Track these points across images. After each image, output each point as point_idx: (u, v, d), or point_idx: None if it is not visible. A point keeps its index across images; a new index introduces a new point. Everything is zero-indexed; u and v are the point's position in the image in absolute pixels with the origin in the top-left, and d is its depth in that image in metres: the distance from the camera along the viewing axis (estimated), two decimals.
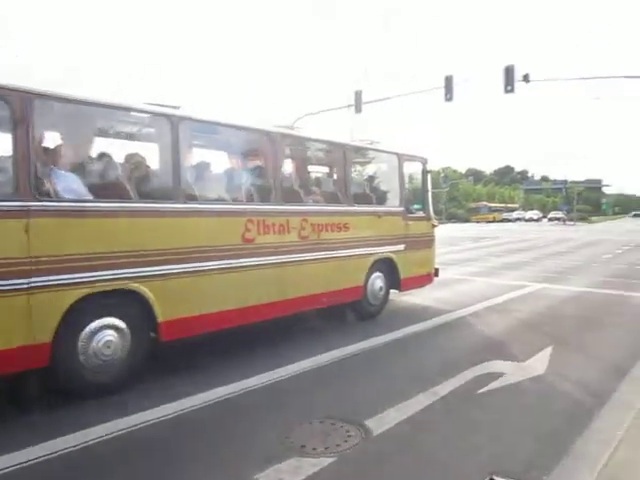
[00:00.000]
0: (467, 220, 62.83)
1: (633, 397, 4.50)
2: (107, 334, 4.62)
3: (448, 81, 19.73)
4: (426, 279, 9.15)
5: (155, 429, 3.98)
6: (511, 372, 5.29)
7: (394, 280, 8.33)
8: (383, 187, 8.67)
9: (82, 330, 4.47)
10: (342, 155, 7.69)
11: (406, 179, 8.94)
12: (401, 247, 8.34)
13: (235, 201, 6.13)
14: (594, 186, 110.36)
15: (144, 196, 5.10)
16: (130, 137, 6.21)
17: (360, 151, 8.37)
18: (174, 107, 5.35)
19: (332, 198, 7.53)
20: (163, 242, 5.04)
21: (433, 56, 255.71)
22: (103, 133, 5.90)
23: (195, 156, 6.35)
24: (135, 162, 5.43)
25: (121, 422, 4.01)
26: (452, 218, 61.64)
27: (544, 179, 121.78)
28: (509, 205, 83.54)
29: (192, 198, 5.43)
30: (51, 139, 4.87)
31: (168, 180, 5.26)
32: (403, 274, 8.38)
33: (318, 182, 8.00)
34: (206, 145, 7.10)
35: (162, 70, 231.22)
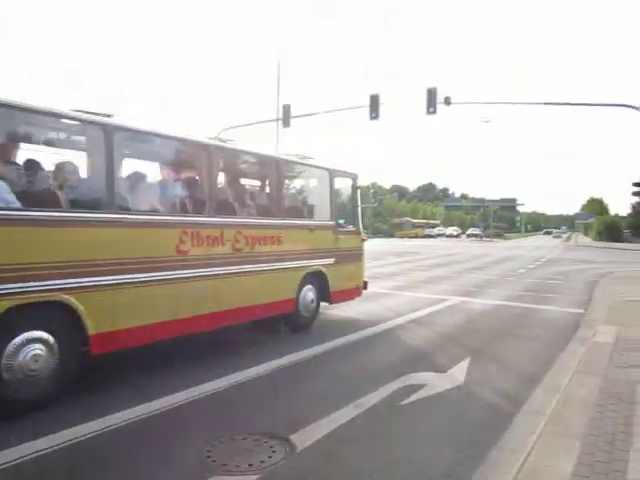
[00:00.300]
0: (391, 235, 64.46)
1: (544, 405, 4.73)
2: (34, 348, 4.38)
3: (373, 100, 20.18)
4: (355, 292, 9.28)
5: (61, 455, 3.72)
6: (433, 383, 5.43)
7: (325, 293, 8.43)
8: (315, 201, 8.80)
9: (7, 344, 4.22)
10: (276, 169, 7.76)
11: (337, 194, 9.06)
12: (331, 260, 8.46)
13: (169, 212, 6.07)
14: (509, 205, 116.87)
15: (75, 205, 4.93)
16: (62, 145, 5.92)
17: (293, 165, 8.41)
18: (107, 115, 5.24)
19: (266, 211, 7.60)
20: (95, 253, 4.89)
21: (433, 56, 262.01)
22: (34, 140, 5.57)
23: (129, 166, 6.21)
24: (66, 170, 5.21)
25: (15, 451, 3.67)
26: (377, 233, 63.01)
27: (464, 197, 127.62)
28: (431, 221, 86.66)
29: (125, 208, 5.33)
30: None
31: (101, 189, 5.11)
32: (333, 287, 8.49)
33: (252, 195, 8.00)
34: (140, 155, 6.90)
35: (162, 70, 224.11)
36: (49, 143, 5.78)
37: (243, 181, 8.68)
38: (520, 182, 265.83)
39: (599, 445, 3.72)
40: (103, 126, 5.12)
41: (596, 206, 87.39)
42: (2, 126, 4.91)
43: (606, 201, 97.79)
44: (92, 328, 4.80)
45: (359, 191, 9.65)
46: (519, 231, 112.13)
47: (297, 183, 8.97)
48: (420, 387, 5.28)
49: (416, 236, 66.01)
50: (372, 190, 11.79)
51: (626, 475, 3.29)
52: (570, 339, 7.75)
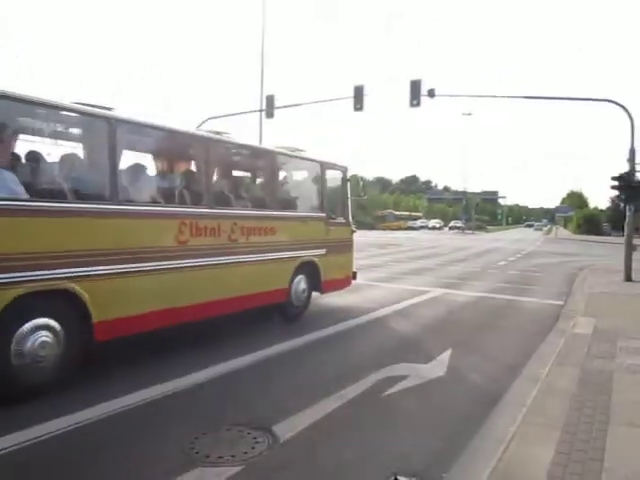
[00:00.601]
0: (373, 227, 64.68)
1: (525, 395, 4.79)
2: (42, 335, 4.51)
3: (358, 91, 20.13)
4: (345, 282, 9.49)
5: (45, 446, 3.67)
6: (415, 374, 5.47)
7: (316, 283, 8.61)
8: (307, 193, 8.93)
9: (16, 331, 4.34)
10: (271, 161, 7.99)
11: (328, 186, 9.22)
12: (323, 251, 8.65)
13: (169, 204, 6.17)
14: (491, 197, 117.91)
15: (80, 197, 5.03)
16: (66, 137, 5.97)
17: (287, 158, 8.50)
18: (108, 108, 5.35)
19: (261, 203, 7.79)
20: (99, 243, 5.03)
21: (435, 59, 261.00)
22: (40, 132, 5.63)
23: (131, 158, 6.28)
24: (71, 162, 5.35)
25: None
26: (359, 225, 62.91)
27: (446, 189, 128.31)
28: (413, 214, 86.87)
29: (128, 200, 5.49)
30: None
31: (104, 181, 5.25)
32: (324, 277, 8.69)
33: (248, 187, 8.27)
34: (142, 148, 6.90)
35: (162, 70, 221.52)
36: (54, 135, 5.84)
37: (239, 173, 8.85)
38: (502, 175, 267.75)
39: (578, 434, 3.78)
40: (106, 119, 5.22)
41: (576, 199, 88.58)
42: (10, 119, 4.99)
43: (586, 194, 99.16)
44: (96, 315, 4.92)
45: (349, 183, 9.79)
46: (501, 224, 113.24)
47: (290, 175, 9.06)
48: (402, 378, 5.31)
49: (399, 228, 66.29)
50: (362, 183, 11.80)
51: (603, 463, 3.35)
52: (550, 330, 7.88)
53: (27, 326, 4.41)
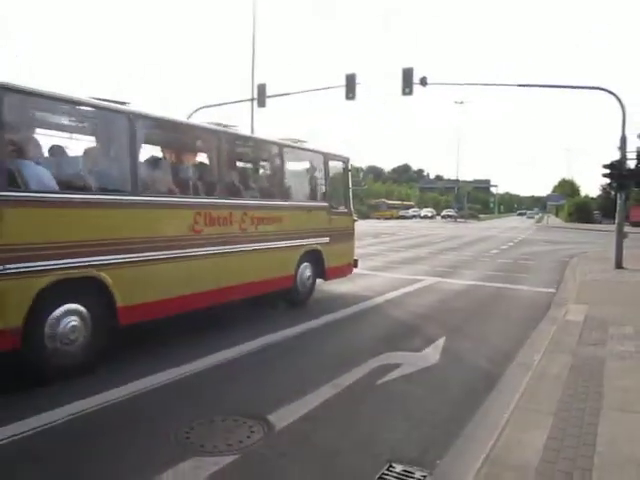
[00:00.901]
0: (367, 217, 64.67)
1: (518, 381, 4.84)
2: (72, 319, 4.82)
3: (350, 80, 19.98)
4: (347, 269, 9.82)
5: (40, 438, 3.68)
6: (409, 362, 5.50)
7: (320, 270, 8.95)
8: (311, 184, 9.21)
9: (49, 315, 4.64)
10: (278, 153, 8.27)
11: (330, 177, 9.53)
12: (327, 239, 9.00)
13: (185, 195, 6.48)
14: (483, 186, 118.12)
15: (104, 189, 5.34)
16: (90, 132, 6.17)
17: (293, 150, 8.74)
18: (124, 103, 5.65)
19: (268, 193, 8.19)
20: (122, 232, 5.33)
21: (432, 54, 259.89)
22: (65, 128, 6.03)
23: (149, 151, 6.71)
24: (95, 156, 5.66)
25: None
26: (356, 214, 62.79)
27: (438, 178, 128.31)
28: (406, 203, 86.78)
29: (148, 191, 5.81)
30: (19, 132, 4.95)
31: (126, 174, 5.53)
32: (328, 264, 9.06)
33: (256, 178, 8.69)
34: (159, 141, 7.16)
35: (162, 70, 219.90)
36: (79, 130, 6.12)
37: (248, 165, 9.12)
38: (494, 164, 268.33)
39: (570, 420, 3.82)
40: (128, 114, 5.55)
41: (567, 188, 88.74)
42: (40, 116, 5.52)
43: (577, 183, 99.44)
44: (120, 301, 5.24)
45: (350, 174, 10.08)
46: (493, 212, 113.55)
47: (296, 166, 9.32)
48: (397, 366, 5.35)
49: (391, 217, 66.28)
50: (362, 173, 12.03)
51: (595, 447, 3.39)
52: (542, 318, 7.94)
53: (58, 311, 4.71)
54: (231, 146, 7.68)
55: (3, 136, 4.35)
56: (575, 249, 21.11)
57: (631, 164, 14.43)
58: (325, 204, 9.13)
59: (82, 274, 4.91)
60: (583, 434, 3.59)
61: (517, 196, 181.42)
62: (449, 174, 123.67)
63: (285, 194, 8.27)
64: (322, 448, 3.66)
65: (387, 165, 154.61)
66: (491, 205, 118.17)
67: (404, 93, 19.02)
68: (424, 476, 3.25)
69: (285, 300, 8.32)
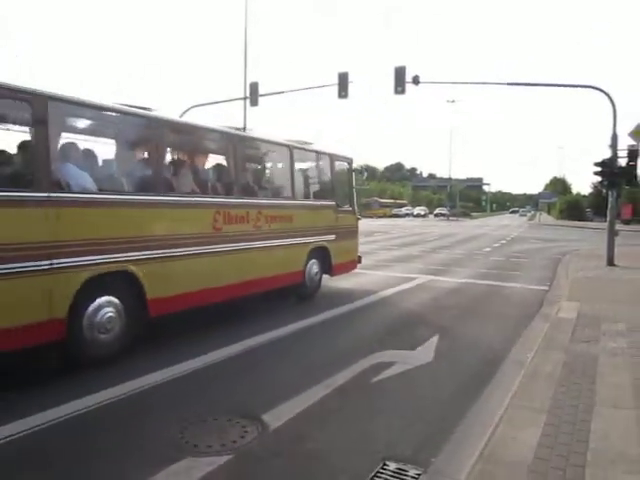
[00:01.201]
0: (361, 215, 64.58)
1: (511, 379, 4.85)
2: (108, 311, 5.23)
3: (342, 78, 19.95)
4: (352, 265, 10.26)
5: (36, 437, 3.65)
6: (402, 360, 5.51)
7: (326, 266, 9.31)
8: (319, 183, 9.66)
9: (88, 307, 5.04)
10: (288, 155, 8.56)
11: (336, 177, 9.88)
12: (333, 237, 9.41)
13: (206, 195, 6.86)
14: (475, 184, 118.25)
15: (135, 190, 5.84)
16: (122, 137, 6.46)
17: (302, 151, 9.05)
18: (148, 109, 5.97)
19: (281, 193, 8.57)
20: (151, 229, 5.76)
21: (431, 53, 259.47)
22: (101, 133, 6.48)
23: (174, 154, 7.16)
24: (126, 159, 6.18)
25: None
26: None
27: (431, 176, 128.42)
28: (398, 201, 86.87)
29: (174, 192, 6.19)
30: (64, 138, 5.53)
31: (155, 176, 5.98)
32: (334, 261, 9.45)
33: (269, 178, 9.23)
34: (182, 145, 7.45)
35: (162, 70, 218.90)
36: (110, 135, 6.55)
37: (260, 166, 9.48)
38: (486, 162, 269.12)
39: (563, 417, 3.84)
40: (156, 120, 6.03)
41: (559, 185, 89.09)
42: (83, 123, 6.06)
43: (569, 181, 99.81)
44: (150, 293, 5.63)
45: (354, 174, 10.46)
46: (485, 210, 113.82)
47: (304, 167, 9.63)
48: (390, 365, 5.35)
49: (384, 215, 66.32)
50: (365, 173, 12.43)
51: (588, 444, 3.41)
52: (534, 315, 7.97)
53: (96, 303, 5.12)
54: (246, 148, 8.11)
55: (53, 142, 4.79)
56: (567, 247, 21.22)
57: (622, 162, 14.50)
58: (332, 203, 9.50)
59: (118, 268, 5.32)
60: (576, 431, 3.61)
61: (509, 194, 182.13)
62: (442, 172, 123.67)
63: (295, 193, 8.60)
64: (316, 447, 3.65)
65: (380, 164, 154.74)
66: (483, 203, 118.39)
67: (396, 92, 19.04)
68: (418, 474, 3.25)
69: (294, 295, 8.68)
